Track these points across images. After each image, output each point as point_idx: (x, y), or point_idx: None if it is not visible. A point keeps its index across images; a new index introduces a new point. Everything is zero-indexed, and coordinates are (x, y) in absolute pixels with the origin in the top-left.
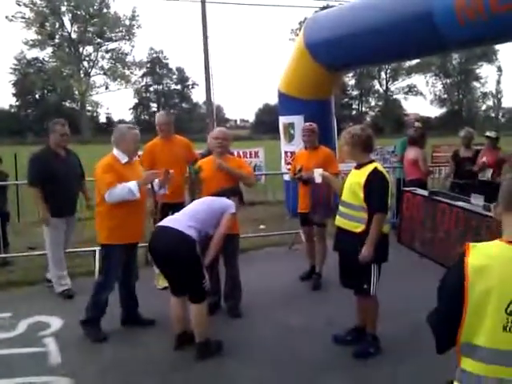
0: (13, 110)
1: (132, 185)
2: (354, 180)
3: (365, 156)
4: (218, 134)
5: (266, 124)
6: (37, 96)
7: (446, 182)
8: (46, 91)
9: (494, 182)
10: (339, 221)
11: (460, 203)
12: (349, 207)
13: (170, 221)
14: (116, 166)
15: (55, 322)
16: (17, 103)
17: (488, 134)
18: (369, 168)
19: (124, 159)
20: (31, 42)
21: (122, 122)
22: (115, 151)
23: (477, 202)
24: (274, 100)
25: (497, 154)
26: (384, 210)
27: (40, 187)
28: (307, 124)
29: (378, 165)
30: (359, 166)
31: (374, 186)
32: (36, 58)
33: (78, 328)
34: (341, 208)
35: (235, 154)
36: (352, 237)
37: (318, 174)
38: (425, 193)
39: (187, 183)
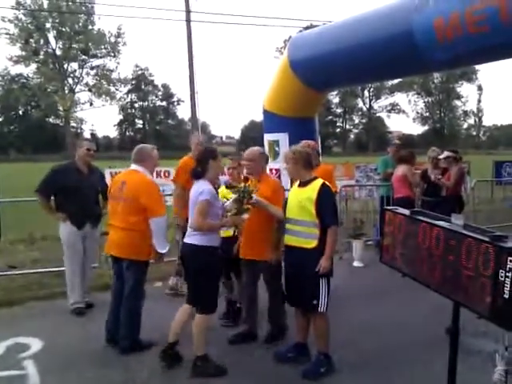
0: None
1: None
2: (303, 196)
3: (307, 173)
4: (245, 156)
5: (251, 140)
6: (20, 112)
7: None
8: (29, 107)
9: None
10: (289, 239)
11: (440, 222)
12: (299, 224)
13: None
14: None
15: (35, 344)
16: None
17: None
18: (317, 184)
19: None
20: (15, 58)
21: (106, 138)
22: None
23: (457, 221)
24: (259, 117)
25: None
26: (337, 223)
27: (45, 196)
28: (304, 142)
29: (323, 180)
30: (304, 184)
31: (327, 200)
32: (20, 74)
33: (58, 349)
34: (289, 226)
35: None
36: (303, 253)
37: None
38: (406, 212)
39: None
